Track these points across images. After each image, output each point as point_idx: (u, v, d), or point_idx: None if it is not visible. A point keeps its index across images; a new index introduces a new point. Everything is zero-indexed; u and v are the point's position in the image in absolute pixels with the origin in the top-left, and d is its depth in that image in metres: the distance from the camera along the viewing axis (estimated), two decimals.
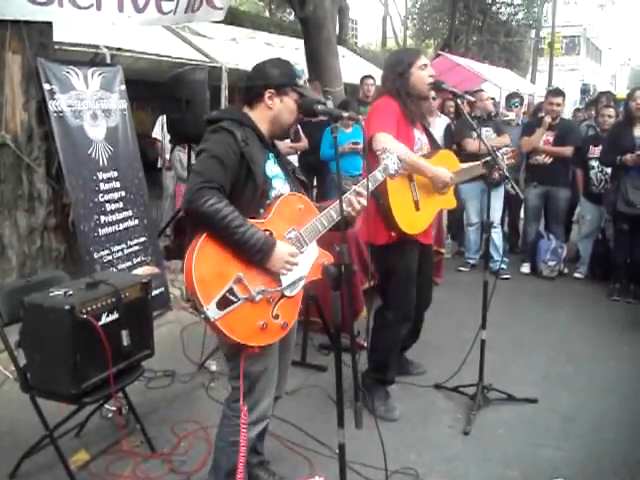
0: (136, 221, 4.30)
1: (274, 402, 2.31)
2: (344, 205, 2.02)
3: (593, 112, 7.35)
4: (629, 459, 2.82)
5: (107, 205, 4.06)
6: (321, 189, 6.65)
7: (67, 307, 2.28)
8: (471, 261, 6.09)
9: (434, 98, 5.56)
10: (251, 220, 1.98)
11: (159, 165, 6.76)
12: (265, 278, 2.02)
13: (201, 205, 1.88)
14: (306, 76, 7.65)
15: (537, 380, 3.63)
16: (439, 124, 6.04)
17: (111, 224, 4.08)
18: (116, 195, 4.14)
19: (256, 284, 1.98)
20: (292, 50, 9.88)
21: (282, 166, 2.23)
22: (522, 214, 6.53)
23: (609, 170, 5.39)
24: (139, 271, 3.96)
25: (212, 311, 1.89)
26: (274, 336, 2.06)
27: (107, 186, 4.07)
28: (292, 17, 15.93)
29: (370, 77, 7.09)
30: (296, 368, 3.36)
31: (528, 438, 2.99)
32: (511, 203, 6.42)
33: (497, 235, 5.71)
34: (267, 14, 19.97)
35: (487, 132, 5.68)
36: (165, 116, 5.18)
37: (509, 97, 7.26)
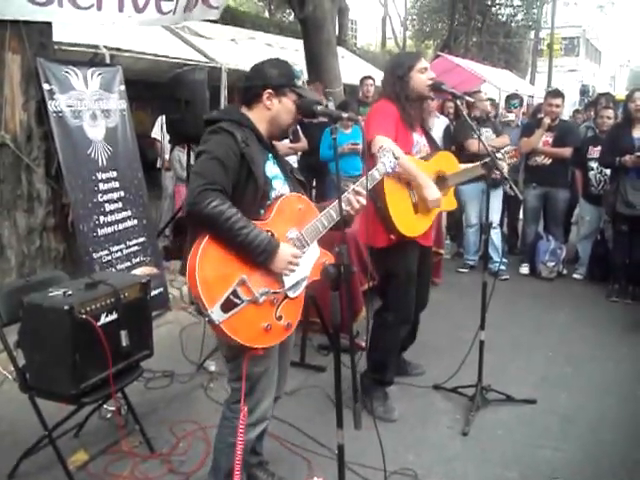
0: (135, 221, 4.30)
1: (274, 403, 2.31)
2: (343, 204, 2.02)
3: (592, 113, 7.36)
4: (627, 460, 2.82)
5: (106, 205, 4.06)
6: (320, 190, 6.65)
7: (66, 307, 2.28)
8: (470, 262, 6.09)
9: (432, 99, 5.55)
10: (252, 221, 1.97)
11: (158, 165, 6.75)
12: (268, 279, 2.01)
13: (204, 207, 1.86)
14: (305, 77, 7.65)
15: (536, 381, 3.63)
16: (438, 125, 6.05)
17: (110, 224, 4.08)
18: (115, 195, 4.14)
19: (259, 286, 1.98)
20: (292, 51, 9.87)
21: (281, 166, 2.23)
22: (521, 215, 6.53)
23: (608, 171, 5.39)
24: (138, 271, 3.96)
25: (216, 314, 1.88)
26: (278, 337, 2.06)
27: (106, 186, 4.07)
28: (292, 18, 15.95)
29: (370, 78, 7.10)
30: (295, 369, 3.36)
31: (527, 439, 2.99)
32: (510, 204, 6.42)
33: (496, 236, 5.71)
34: (267, 14, 19.98)
35: (487, 133, 5.69)
36: (164, 116, 5.17)
37: (508, 98, 7.25)
